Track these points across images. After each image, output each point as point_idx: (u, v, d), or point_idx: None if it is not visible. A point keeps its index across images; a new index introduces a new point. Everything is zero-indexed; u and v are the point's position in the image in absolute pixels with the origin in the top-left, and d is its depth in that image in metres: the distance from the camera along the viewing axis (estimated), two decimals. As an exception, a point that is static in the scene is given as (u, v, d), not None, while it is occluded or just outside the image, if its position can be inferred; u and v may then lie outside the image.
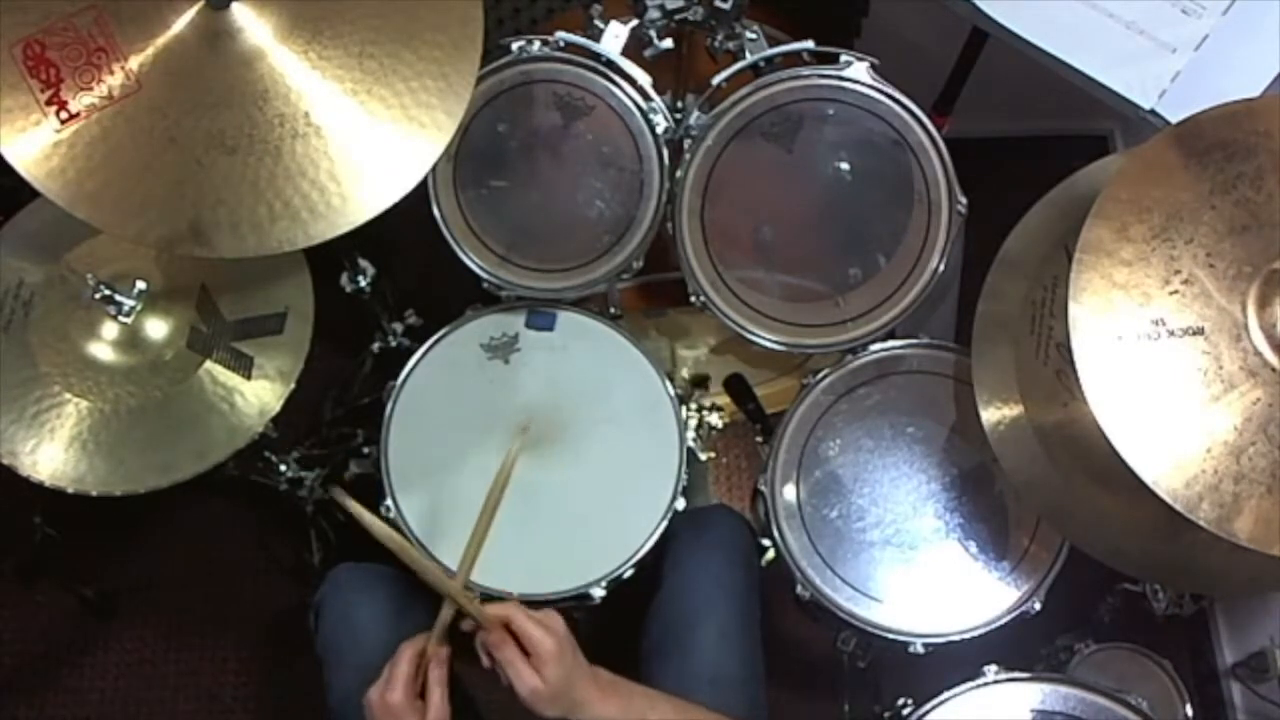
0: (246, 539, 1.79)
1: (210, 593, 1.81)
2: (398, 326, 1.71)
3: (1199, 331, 0.99)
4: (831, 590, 1.30)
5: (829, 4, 1.68)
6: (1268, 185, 1.02)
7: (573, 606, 1.28)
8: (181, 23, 1.07)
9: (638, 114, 1.25)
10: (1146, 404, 0.98)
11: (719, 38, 1.27)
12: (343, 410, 1.76)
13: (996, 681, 1.18)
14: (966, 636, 1.28)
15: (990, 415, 1.23)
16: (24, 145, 1.04)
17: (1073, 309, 0.99)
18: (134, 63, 1.06)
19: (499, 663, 1.02)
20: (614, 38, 1.24)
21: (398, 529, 1.26)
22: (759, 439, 1.51)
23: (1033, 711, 1.17)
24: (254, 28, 1.08)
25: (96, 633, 1.78)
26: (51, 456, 1.20)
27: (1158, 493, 0.96)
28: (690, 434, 1.37)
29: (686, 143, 1.26)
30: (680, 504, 1.31)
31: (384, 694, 1.01)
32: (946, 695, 1.18)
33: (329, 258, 1.46)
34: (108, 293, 1.19)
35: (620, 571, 1.28)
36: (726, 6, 1.23)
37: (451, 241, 1.34)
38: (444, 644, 1.06)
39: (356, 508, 1.11)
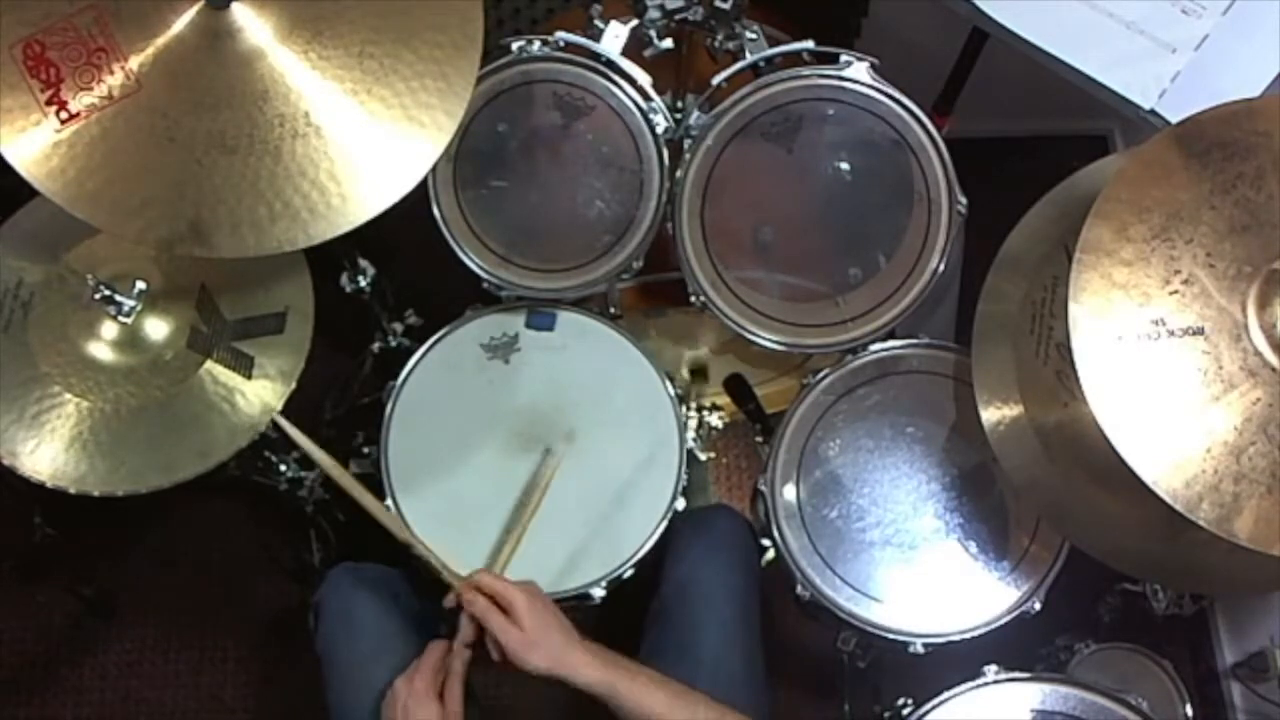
0: (246, 539, 1.79)
1: (210, 593, 1.81)
2: (398, 326, 1.71)
3: (1199, 331, 0.99)
4: (831, 590, 1.30)
5: (829, 4, 1.68)
6: (1268, 185, 1.02)
7: (573, 606, 1.28)
8: (181, 23, 1.07)
9: (638, 114, 1.25)
10: (1146, 404, 0.98)
11: (719, 38, 1.27)
12: (343, 410, 1.76)
13: (996, 681, 1.18)
14: (966, 636, 1.28)
15: (990, 415, 1.23)
16: (24, 145, 1.04)
17: (1073, 309, 0.99)
18: (134, 63, 1.06)
19: (481, 621, 1.08)
20: (614, 38, 1.24)
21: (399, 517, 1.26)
22: (759, 439, 1.51)
23: (1033, 711, 1.17)
24: (254, 28, 1.08)
25: (96, 633, 1.78)
26: (52, 457, 1.19)
27: (1158, 493, 0.96)
28: (690, 434, 1.37)
29: (686, 143, 1.26)
30: (680, 504, 1.31)
31: (411, 679, 1.09)
32: (946, 695, 1.18)
33: (329, 258, 1.46)
34: (108, 293, 1.19)
35: (620, 571, 1.28)
36: (726, 6, 1.23)
37: (451, 241, 1.34)
38: (467, 648, 1.12)
39: (359, 491, 1.19)
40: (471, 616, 1.10)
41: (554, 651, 1.07)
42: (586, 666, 1.06)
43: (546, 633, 1.07)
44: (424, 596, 1.29)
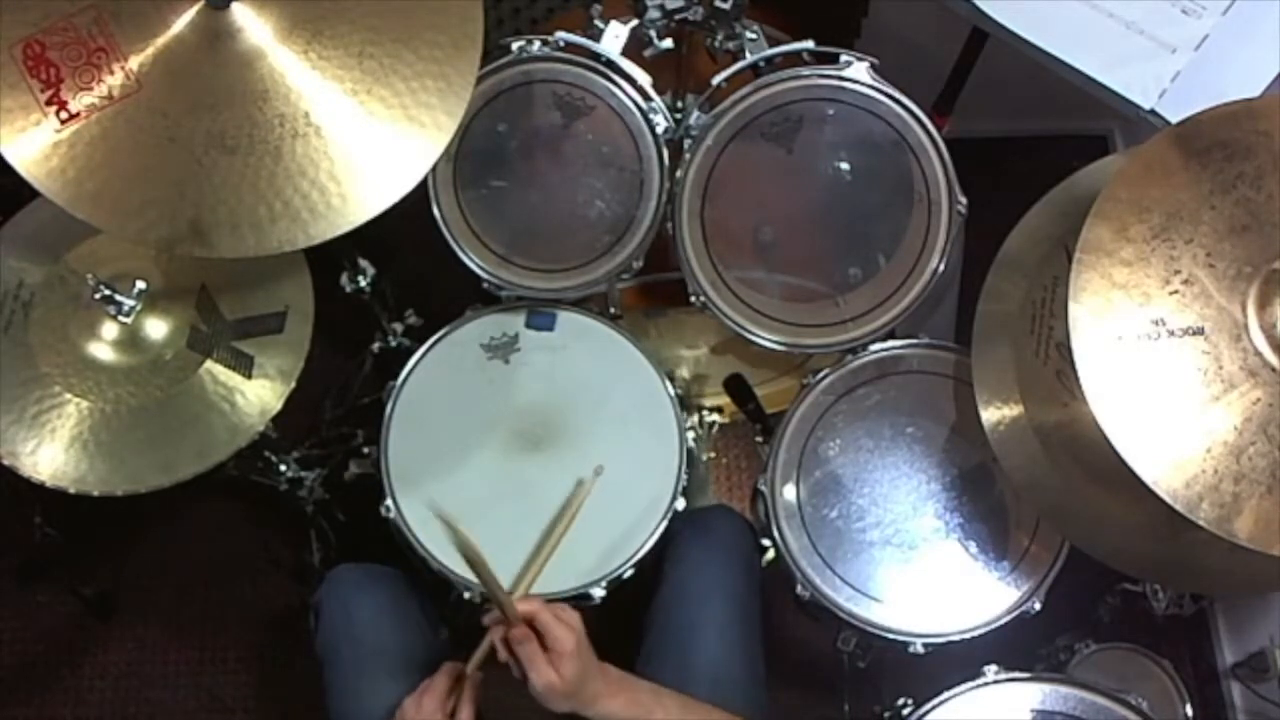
0: (246, 539, 1.79)
1: (210, 593, 1.81)
2: (398, 326, 1.71)
3: (1199, 331, 0.99)
4: (831, 590, 1.30)
5: (829, 4, 1.68)
6: (1268, 185, 1.02)
7: (572, 606, 1.27)
8: (181, 23, 1.07)
9: (638, 114, 1.25)
10: (1146, 404, 0.98)
11: (719, 38, 1.27)
12: (343, 410, 1.76)
13: (996, 681, 1.18)
14: (966, 636, 1.28)
15: (990, 415, 1.23)
16: (24, 145, 1.04)
17: (1073, 309, 0.99)
18: (134, 63, 1.06)
19: (518, 657, 1.03)
20: (614, 38, 1.24)
21: (402, 528, 1.26)
22: (759, 439, 1.51)
23: (1033, 711, 1.17)
24: (254, 28, 1.08)
25: (96, 633, 1.78)
26: (52, 457, 1.20)
27: (1158, 493, 0.96)
28: (690, 434, 1.37)
29: (686, 143, 1.26)
30: (680, 504, 1.31)
31: (419, 703, 1.04)
32: (946, 695, 1.18)
33: (329, 258, 1.46)
34: (108, 293, 1.19)
35: (620, 571, 1.28)
36: (726, 6, 1.23)
37: (451, 241, 1.34)
38: (481, 670, 1.08)
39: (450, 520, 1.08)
40: (506, 642, 1.04)
41: (580, 701, 1.03)
42: (606, 700, 1.04)
43: (582, 684, 1.03)
44: (423, 597, 1.29)
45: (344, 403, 1.77)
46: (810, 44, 1.25)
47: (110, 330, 1.24)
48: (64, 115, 1.05)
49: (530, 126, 1.28)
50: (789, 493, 1.34)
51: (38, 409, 1.21)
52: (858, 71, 1.21)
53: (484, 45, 1.12)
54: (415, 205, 1.17)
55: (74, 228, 1.11)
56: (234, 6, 1.07)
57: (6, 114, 1.04)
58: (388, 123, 1.09)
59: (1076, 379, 0.99)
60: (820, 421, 1.36)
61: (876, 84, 1.21)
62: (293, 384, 1.25)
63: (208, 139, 1.06)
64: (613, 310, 1.45)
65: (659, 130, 1.25)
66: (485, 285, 1.38)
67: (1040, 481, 1.20)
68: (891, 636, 1.28)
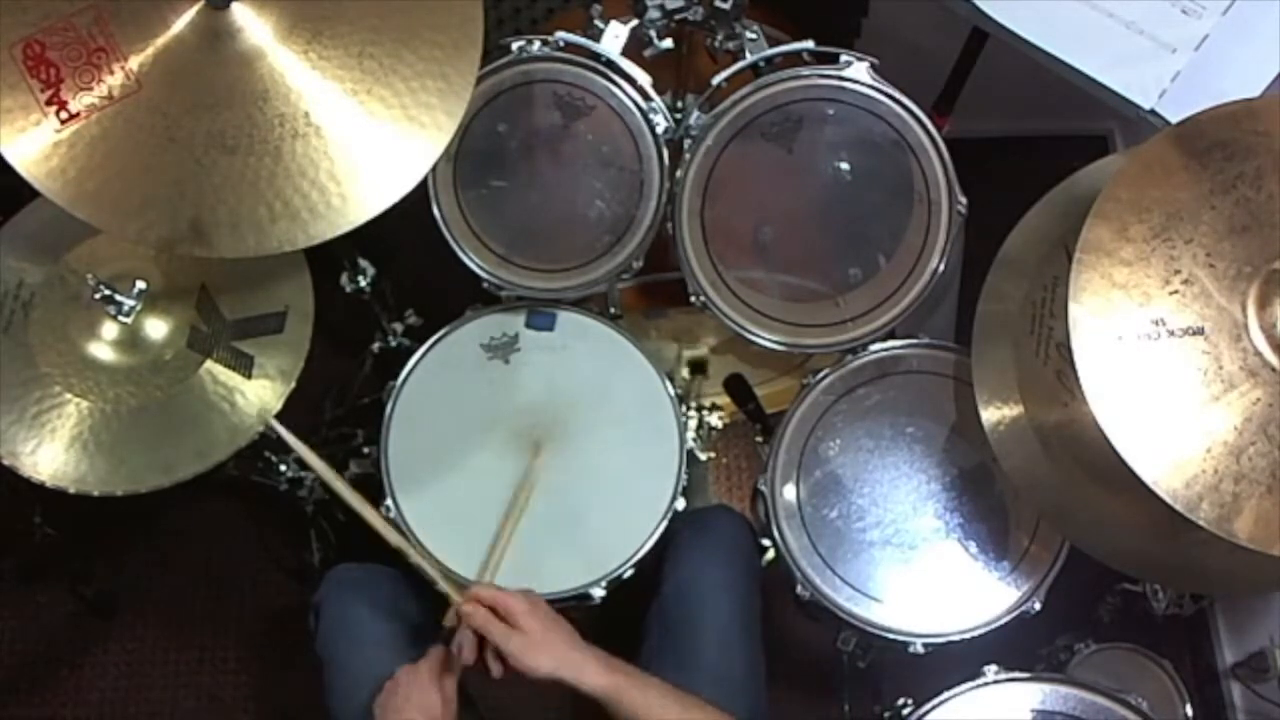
0: (246, 539, 1.79)
1: (210, 593, 1.81)
2: (398, 326, 1.71)
3: (1199, 331, 0.99)
4: (831, 590, 1.30)
5: (829, 4, 1.68)
6: (1268, 185, 1.02)
7: (573, 606, 1.28)
8: (181, 23, 1.07)
9: (638, 114, 1.25)
10: (1146, 404, 0.98)
11: (719, 38, 1.27)
12: (343, 410, 1.76)
13: (996, 681, 1.18)
14: (966, 636, 1.28)
15: (990, 415, 1.23)
16: (24, 145, 1.04)
17: (1073, 309, 0.99)
18: (134, 63, 1.06)
19: (482, 632, 1.05)
20: (614, 38, 1.24)
21: (396, 528, 1.26)
22: (759, 439, 1.51)
23: (1033, 711, 1.17)
24: (254, 28, 1.08)
25: (96, 633, 1.78)
26: (52, 457, 1.20)
27: (1158, 493, 0.96)
28: (690, 434, 1.37)
29: (686, 143, 1.26)
30: (680, 504, 1.31)
31: (416, 668, 1.09)
32: (946, 695, 1.18)
33: (329, 258, 1.46)
34: (108, 293, 1.19)
35: (620, 571, 1.28)
36: (726, 6, 1.23)
37: (451, 241, 1.34)
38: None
39: (353, 498, 1.17)
40: (472, 630, 1.07)
41: (559, 653, 1.05)
42: (593, 669, 1.05)
43: (549, 635, 1.05)
44: (423, 597, 1.29)
45: (344, 403, 1.77)
46: (810, 44, 1.25)
47: (110, 330, 1.24)
48: (64, 115, 1.05)
49: (530, 126, 1.28)
50: (789, 493, 1.34)
51: (38, 409, 1.21)
52: (858, 71, 1.21)
53: (484, 45, 1.12)
54: (415, 205, 1.17)
55: (74, 228, 1.11)
56: (234, 6, 1.07)
57: (6, 114, 1.04)
58: (388, 123, 1.09)
59: (1076, 379, 0.99)
60: (820, 421, 1.36)
61: (876, 84, 1.21)
62: (293, 384, 1.25)
63: (208, 139, 1.06)
64: (613, 310, 1.45)
65: (659, 130, 1.25)
66: (485, 285, 1.38)
67: (1040, 481, 1.20)
68: (891, 636, 1.28)
